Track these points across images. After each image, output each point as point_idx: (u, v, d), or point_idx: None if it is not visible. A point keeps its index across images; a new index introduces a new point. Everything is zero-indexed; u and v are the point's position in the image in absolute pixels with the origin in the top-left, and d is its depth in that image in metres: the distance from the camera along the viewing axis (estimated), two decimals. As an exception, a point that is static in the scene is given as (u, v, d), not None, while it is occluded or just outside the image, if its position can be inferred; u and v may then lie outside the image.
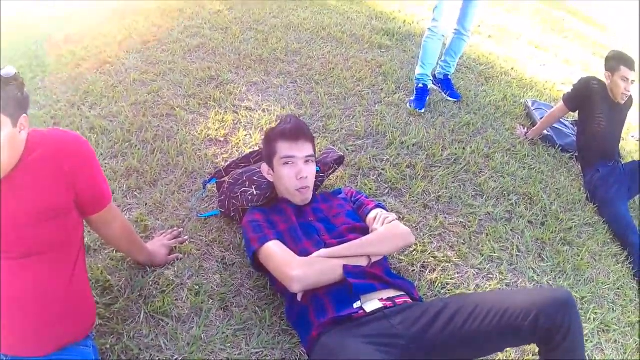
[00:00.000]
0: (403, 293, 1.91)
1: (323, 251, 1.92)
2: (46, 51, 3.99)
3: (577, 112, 3.74)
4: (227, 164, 2.60)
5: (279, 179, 2.20)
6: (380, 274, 1.94)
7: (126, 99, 3.28)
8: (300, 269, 1.84)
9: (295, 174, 2.14)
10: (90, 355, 1.72)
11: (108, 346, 1.88)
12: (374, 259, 1.98)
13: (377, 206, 2.24)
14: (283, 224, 2.11)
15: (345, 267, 1.87)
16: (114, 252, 2.22)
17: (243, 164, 2.52)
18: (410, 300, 1.90)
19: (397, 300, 1.85)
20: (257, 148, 2.91)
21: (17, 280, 1.58)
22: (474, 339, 1.65)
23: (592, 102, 3.57)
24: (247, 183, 2.34)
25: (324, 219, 2.17)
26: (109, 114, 3.13)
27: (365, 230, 2.12)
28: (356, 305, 1.79)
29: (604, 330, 2.41)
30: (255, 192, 2.31)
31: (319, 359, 1.69)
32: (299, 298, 1.88)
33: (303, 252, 1.95)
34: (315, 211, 2.20)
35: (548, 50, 6.24)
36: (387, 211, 2.24)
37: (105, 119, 3.07)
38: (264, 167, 2.28)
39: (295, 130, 2.17)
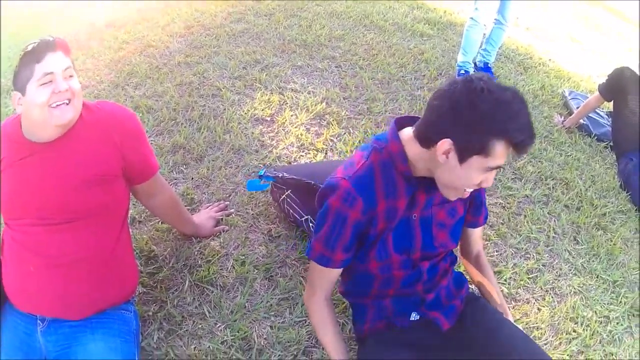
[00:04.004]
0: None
1: None
2: (88, 36, 4.08)
3: (612, 102, 3.73)
4: (289, 177, 2.30)
5: None
6: (451, 286, 1.77)
7: (171, 80, 3.37)
8: (310, 305, 1.72)
9: None
10: (131, 319, 1.75)
11: (150, 313, 1.94)
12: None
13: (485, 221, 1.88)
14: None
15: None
16: (160, 223, 2.29)
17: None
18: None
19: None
20: (302, 128, 3.01)
21: (59, 242, 1.61)
22: None
23: (625, 91, 3.55)
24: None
25: (428, 220, 1.62)
26: (153, 94, 3.22)
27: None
28: (413, 317, 1.70)
29: (633, 315, 2.42)
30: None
31: None
32: None
33: (385, 269, 1.64)
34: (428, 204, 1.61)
35: (582, 43, 6.21)
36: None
37: (150, 99, 3.16)
38: None
39: None
